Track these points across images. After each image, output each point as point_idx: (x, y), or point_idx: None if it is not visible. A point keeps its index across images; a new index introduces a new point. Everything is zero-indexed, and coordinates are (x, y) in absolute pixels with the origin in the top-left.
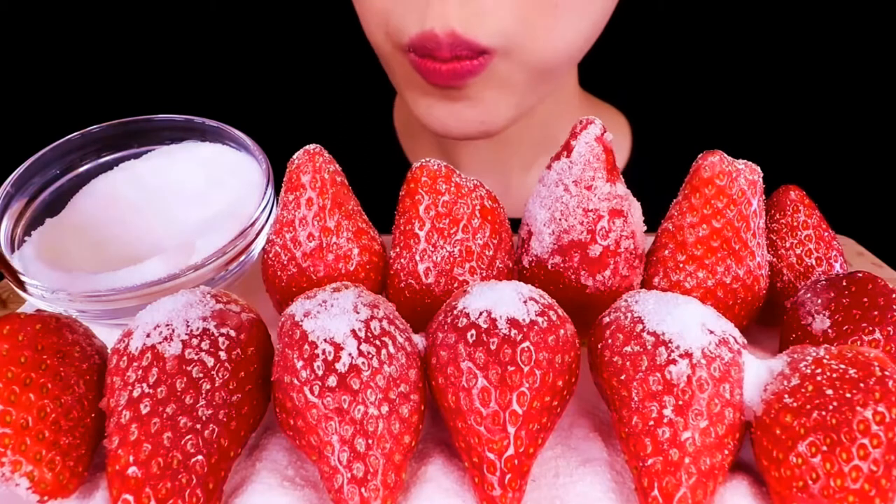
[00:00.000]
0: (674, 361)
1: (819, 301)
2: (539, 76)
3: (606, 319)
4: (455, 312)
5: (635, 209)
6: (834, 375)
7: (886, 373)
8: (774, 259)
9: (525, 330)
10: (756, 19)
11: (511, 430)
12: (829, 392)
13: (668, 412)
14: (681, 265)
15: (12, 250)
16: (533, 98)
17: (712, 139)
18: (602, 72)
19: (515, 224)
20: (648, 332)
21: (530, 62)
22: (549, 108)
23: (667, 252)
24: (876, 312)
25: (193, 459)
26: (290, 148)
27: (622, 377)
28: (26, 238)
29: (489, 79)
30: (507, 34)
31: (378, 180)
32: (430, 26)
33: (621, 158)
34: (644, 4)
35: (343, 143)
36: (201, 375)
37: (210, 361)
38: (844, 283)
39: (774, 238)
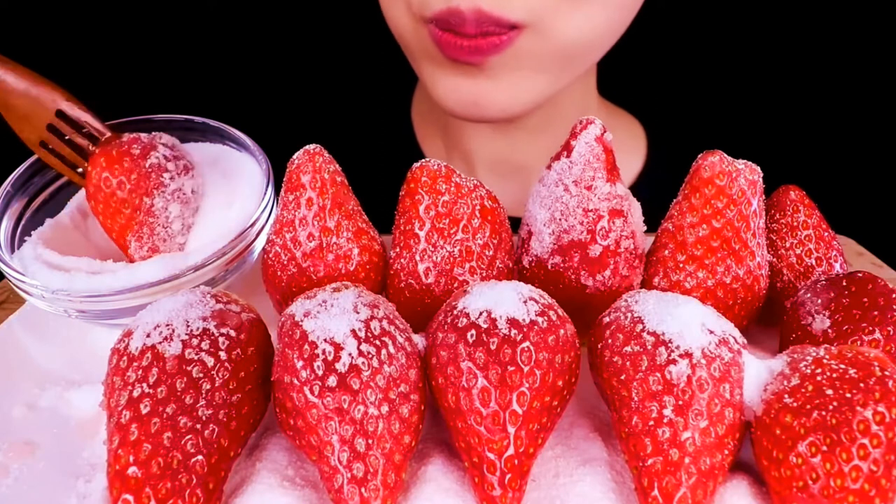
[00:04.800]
0: (674, 361)
1: (819, 301)
2: (564, 59)
3: (606, 319)
4: (455, 312)
5: (635, 209)
6: (834, 375)
7: (886, 373)
8: (774, 259)
9: (525, 330)
10: (761, 24)
11: (511, 430)
12: (829, 392)
13: (668, 412)
14: (681, 265)
15: (12, 250)
16: (556, 84)
17: (726, 144)
18: (618, 79)
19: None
20: (648, 332)
21: (557, 41)
22: (568, 113)
23: (667, 252)
24: (876, 312)
25: (193, 459)
26: (290, 148)
27: (622, 377)
28: (26, 238)
29: (514, 57)
30: (534, 9)
31: (390, 179)
32: (456, 3)
33: (637, 164)
34: (660, 12)
35: (347, 143)
36: (201, 375)
37: (210, 361)
38: (844, 283)
39: (774, 238)
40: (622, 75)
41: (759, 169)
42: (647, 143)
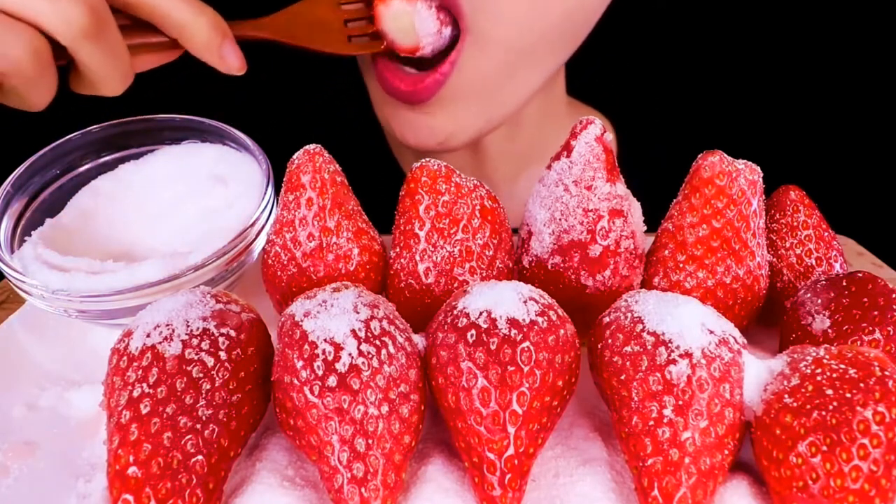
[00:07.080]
0: (674, 361)
1: (819, 301)
2: (508, 63)
3: (606, 319)
4: (455, 312)
5: (635, 209)
6: (834, 375)
7: (886, 373)
8: (774, 259)
9: (525, 330)
10: (750, 19)
11: (511, 430)
12: (829, 392)
13: (668, 412)
14: (681, 265)
15: (12, 250)
16: (505, 105)
17: (697, 141)
18: (587, 77)
19: None
20: (648, 332)
21: (496, 44)
22: (537, 115)
23: (667, 252)
24: (876, 312)
25: (193, 459)
26: (290, 148)
27: (622, 377)
28: (26, 238)
29: (456, 86)
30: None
31: (373, 181)
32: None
33: None
34: (629, 10)
35: (343, 144)
36: (201, 375)
37: (210, 361)
38: (844, 283)
39: (774, 238)
40: (591, 73)
41: (758, 169)
42: (618, 140)
